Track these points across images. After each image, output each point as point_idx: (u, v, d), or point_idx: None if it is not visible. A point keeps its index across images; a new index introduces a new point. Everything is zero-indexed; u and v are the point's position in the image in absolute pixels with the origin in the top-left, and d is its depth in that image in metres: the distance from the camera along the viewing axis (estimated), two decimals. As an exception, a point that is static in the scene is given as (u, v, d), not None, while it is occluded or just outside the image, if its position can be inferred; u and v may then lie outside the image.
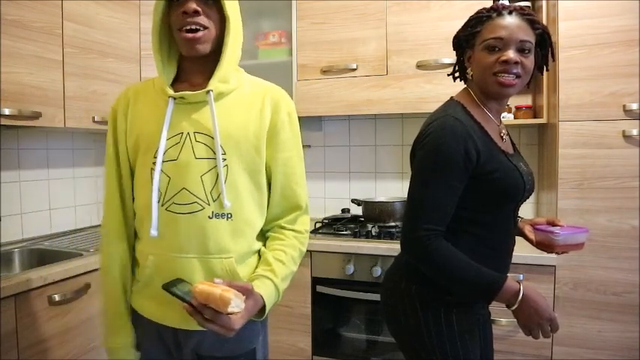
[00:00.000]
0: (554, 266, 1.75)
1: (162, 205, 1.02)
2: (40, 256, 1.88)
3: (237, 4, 1.08)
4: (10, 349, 1.40)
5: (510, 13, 1.09)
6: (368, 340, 2.08)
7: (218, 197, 1.01)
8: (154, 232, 1.00)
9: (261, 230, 1.11)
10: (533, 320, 1.05)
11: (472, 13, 2.11)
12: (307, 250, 2.06)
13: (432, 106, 2.15)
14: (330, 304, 2.08)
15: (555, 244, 1.22)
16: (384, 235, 2.07)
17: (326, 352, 2.09)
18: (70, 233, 2.20)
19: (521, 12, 1.10)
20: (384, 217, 2.26)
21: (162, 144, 1.00)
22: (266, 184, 1.09)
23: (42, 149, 2.15)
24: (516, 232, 1.27)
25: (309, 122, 2.46)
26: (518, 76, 1.09)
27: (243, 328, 0.91)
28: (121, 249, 1.10)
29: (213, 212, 1.01)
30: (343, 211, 2.61)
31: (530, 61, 1.10)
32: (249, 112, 1.05)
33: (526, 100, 2.29)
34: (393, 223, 2.21)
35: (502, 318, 1.80)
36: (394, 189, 2.56)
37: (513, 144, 1.26)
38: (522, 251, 1.80)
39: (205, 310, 0.84)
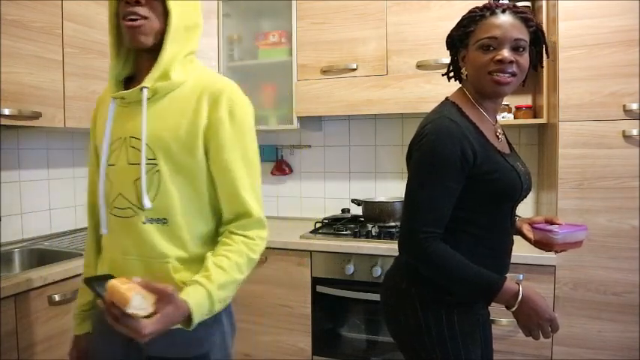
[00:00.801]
0: (554, 266, 1.75)
1: (108, 208, 1.05)
2: (40, 256, 1.89)
3: (192, 2, 1.03)
4: (10, 349, 1.40)
5: (504, 11, 1.09)
6: (368, 340, 2.08)
7: (153, 201, 0.99)
8: (104, 230, 1.05)
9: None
10: (533, 321, 1.05)
11: (472, 13, 2.11)
12: (307, 250, 2.08)
13: (432, 106, 2.14)
14: (330, 304, 2.08)
15: (554, 242, 1.21)
16: (384, 235, 2.07)
17: (326, 352, 2.09)
18: (70, 233, 2.20)
19: (515, 10, 1.09)
20: (384, 217, 2.26)
21: (105, 149, 1.03)
22: (211, 188, 1.03)
23: (42, 149, 2.15)
24: (514, 232, 1.27)
25: (309, 122, 2.46)
26: (513, 75, 1.09)
27: (193, 329, 0.90)
28: (93, 239, 1.19)
29: (146, 218, 1.00)
30: (343, 211, 2.61)
31: (525, 60, 1.10)
32: (184, 112, 1.00)
33: (526, 100, 2.29)
34: (393, 223, 2.22)
35: (502, 318, 1.80)
36: (394, 189, 2.56)
37: (509, 143, 1.26)
38: (522, 251, 1.80)
39: (113, 307, 0.78)
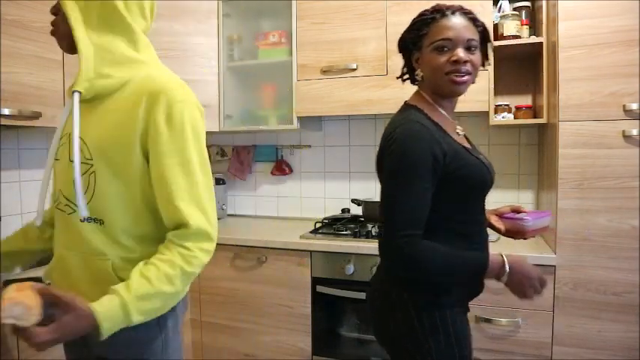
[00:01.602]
0: (554, 266, 1.75)
1: (55, 202, 1.07)
2: (40, 256, 1.88)
3: (108, 3, 0.99)
4: (10, 349, 1.40)
5: (454, 13, 1.13)
6: (368, 340, 2.07)
7: (89, 202, 0.98)
8: (38, 221, 1.06)
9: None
10: (524, 284, 1.12)
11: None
12: (307, 250, 2.08)
13: (432, 106, 2.13)
14: (330, 304, 2.08)
15: (526, 229, 1.27)
16: (384, 235, 2.07)
17: (326, 352, 2.09)
18: (70, 233, 2.19)
19: (464, 11, 1.15)
20: (384, 217, 2.26)
21: (54, 142, 1.04)
22: (151, 192, 0.99)
23: (42, 149, 2.15)
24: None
25: (309, 122, 2.46)
26: (468, 74, 1.14)
27: (128, 333, 0.91)
28: (30, 226, 1.24)
29: (84, 216, 0.98)
30: (343, 211, 2.61)
31: (477, 58, 1.15)
32: (123, 114, 0.97)
33: (526, 100, 2.29)
34: (393, 223, 2.21)
35: (502, 318, 1.80)
36: (394, 189, 2.55)
37: (467, 138, 1.30)
38: (522, 251, 1.80)
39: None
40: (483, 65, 1.22)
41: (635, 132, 1.66)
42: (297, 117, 2.34)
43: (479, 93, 2.01)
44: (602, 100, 1.69)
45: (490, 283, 1.81)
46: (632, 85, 1.66)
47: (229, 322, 2.26)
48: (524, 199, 2.35)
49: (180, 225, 0.96)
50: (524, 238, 1.31)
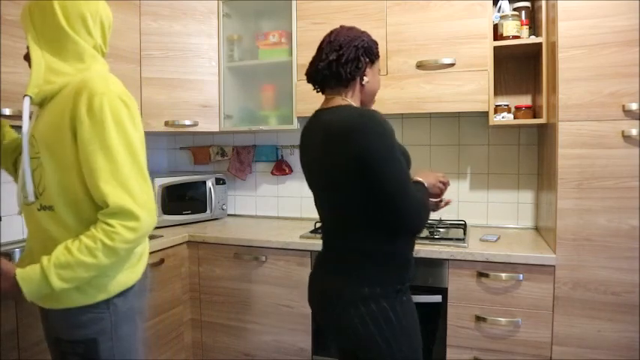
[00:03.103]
0: (554, 266, 1.75)
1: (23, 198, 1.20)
2: (41, 256, 1.89)
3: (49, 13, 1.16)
4: (11, 349, 1.40)
5: None
6: (368, 339, 2.08)
7: (42, 192, 1.14)
8: (31, 198, 1.17)
9: None
10: (432, 180, 1.40)
11: (472, 13, 2.13)
12: (307, 250, 2.08)
13: (432, 106, 2.15)
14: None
15: None
16: (384, 235, 2.07)
17: (326, 352, 2.09)
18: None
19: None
20: (384, 217, 2.26)
21: (24, 140, 1.16)
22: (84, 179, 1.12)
23: (42, 149, 2.15)
24: None
25: (309, 122, 2.46)
26: None
27: (75, 314, 1.12)
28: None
29: (40, 205, 1.15)
30: (343, 211, 2.60)
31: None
32: (58, 111, 1.11)
33: (526, 100, 2.29)
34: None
35: (502, 317, 1.80)
36: (394, 189, 2.55)
37: None
38: (522, 251, 1.81)
39: None
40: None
41: (634, 132, 1.66)
42: (297, 117, 2.34)
43: (479, 93, 2.02)
44: (601, 100, 1.70)
45: (490, 283, 1.82)
46: (632, 85, 1.66)
47: (229, 322, 2.26)
48: (523, 199, 2.35)
49: (104, 204, 1.08)
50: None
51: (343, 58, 1.30)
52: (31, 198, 1.14)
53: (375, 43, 1.38)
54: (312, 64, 1.39)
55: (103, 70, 1.22)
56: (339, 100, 1.34)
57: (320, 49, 1.37)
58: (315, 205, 1.44)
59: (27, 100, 1.14)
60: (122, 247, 1.09)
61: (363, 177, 1.21)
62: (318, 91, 1.43)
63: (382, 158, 1.19)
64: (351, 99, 1.35)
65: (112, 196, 1.07)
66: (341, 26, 1.37)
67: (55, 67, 1.15)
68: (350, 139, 1.20)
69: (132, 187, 1.09)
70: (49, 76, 1.15)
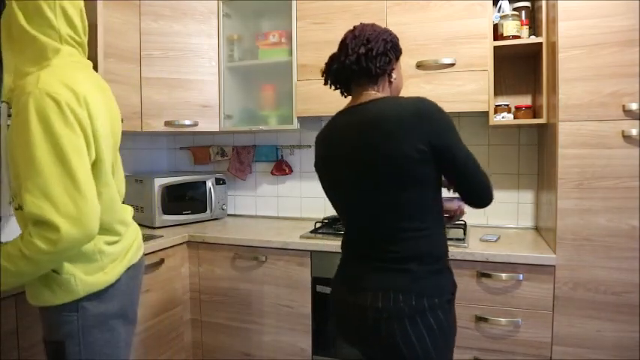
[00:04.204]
0: (554, 266, 1.75)
1: None
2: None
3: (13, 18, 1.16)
4: (11, 349, 1.40)
5: None
6: (368, 340, 2.08)
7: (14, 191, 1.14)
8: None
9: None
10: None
11: (472, 13, 2.13)
12: (307, 250, 2.08)
13: (432, 106, 2.13)
14: (330, 304, 2.07)
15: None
16: (384, 235, 2.07)
17: (326, 352, 2.09)
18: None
19: None
20: (384, 217, 2.26)
21: (2, 144, 1.19)
22: None
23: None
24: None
25: (309, 122, 2.46)
26: None
27: (50, 315, 1.14)
28: None
29: (18, 204, 1.14)
30: (343, 211, 2.60)
31: None
32: (13, 115, 1.09)
33: (526, 100, 2.29)
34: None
35: (502, 318, 1.80)
36: (394, 189, 2.55)
37: None
38: (522, 251, 1.81)
39: None
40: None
41: (634, 132, 1.66)
42: (297, 117, 2.34)
43: (479, 93, 2.02)
44: (601, 100, 1.70)
45: (490, 283, 1.82)
46: (632, 85, 1.66)
47: (229, 322, 2.26)
48: (524, 199, 2.35)
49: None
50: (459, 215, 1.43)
51: (373, 52, 1.23)
52: (5, 200, 1.21)
53: (398, 39, 1.34)
54: (334, 61, 1.31)
55: (66, 62, 1.16)
56: (373, 94, 1.26)
57: (344, 45, 1.29)
58: (341, 211, 1.35)
59: (4, 107, 1.18)
60: (40, 258, 1.02)
61: (438, 160, 1.16)
62: (342, 92, 1.36)
63: (457, 136, 1.18)
64: (383, 93, 1.29)
65: (29, 204, 1.00)
66: (361, 23, 1.31)
67: (21, 69, 1.14)
68: (423, 124, 1.14)
69: (53, 195, 1.01)
70: (17, 79, 1.14)
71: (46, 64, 1.14)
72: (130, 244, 1.31)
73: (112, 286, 1.22)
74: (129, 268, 1.29)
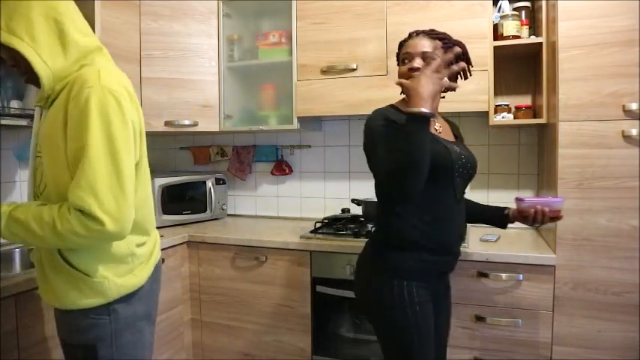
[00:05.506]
0: (554, 266, 1.75)
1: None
2: (40, 256, 1.89)
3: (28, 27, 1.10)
4: (11, 349, 1.40)
5: (417, 35, 1.44)
6: (368, 340, 2.07)
7: (43, 190, 1.17)
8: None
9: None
10: (433, 81, 1.24)
11: (472, 13, 2.13)
12: (307, 250, 2.08)
13: (432, 106, 2.13)
14: (330, 304, 2.08)
15: (520, 207, 1.46)
16: (384, 235, 2.07)
17: (326, 352, 2.09)
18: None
19: (425, 32, 1.44)
20: (384, 217, 2.26)
21: (32, 143, 1.22)
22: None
23: (42, 149, 2.15)
24: (504, 220, 1.58)
25: (309, 122, 2.47)
26: None
27: (76, 317, 1.13)
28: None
29: (42, 202, 1.13)
30: (343, 211, 2.61)
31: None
32: (56, 110, 1.10)
33: (526, 101, 2.29)
34: (393, 223, 2.21)
35: (502, 318, 1.80)
36: (394, 189, 2.55)
37: (457, 136, 1.60)
38: (522, 251, 1.81)
39: None
40: (464, 77, 1.46)
41: (634, 132, 1.66)
42: (297, 117, 2.34)
43: (479, 93, 2.02)
44: (601, 100, 1.69)
45: (489, 284, 1.82)
46: (632, 85, 1.66)
47: (229, 322, 2.26)
48: (524, 199, 2.35)
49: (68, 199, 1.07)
50: (536, 225, 1.48)
51: None
52: (29, 198, 1.19)
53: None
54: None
55: (108, 60, 1.21)
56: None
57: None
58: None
59: (38, 111, 1.21)
60: (70, 238, 1.04)
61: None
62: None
63: (371, 143, 1.46)
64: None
65: (75, 195, 1.03)
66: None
67: (58, 75, 1.13)
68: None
69: (100, 191, 1.03)
70: (55, 84, 1.14)
71: (85, 63, 1.14)
72: (153, 246, 1.32)
73: (139, 288, 1.22)
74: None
